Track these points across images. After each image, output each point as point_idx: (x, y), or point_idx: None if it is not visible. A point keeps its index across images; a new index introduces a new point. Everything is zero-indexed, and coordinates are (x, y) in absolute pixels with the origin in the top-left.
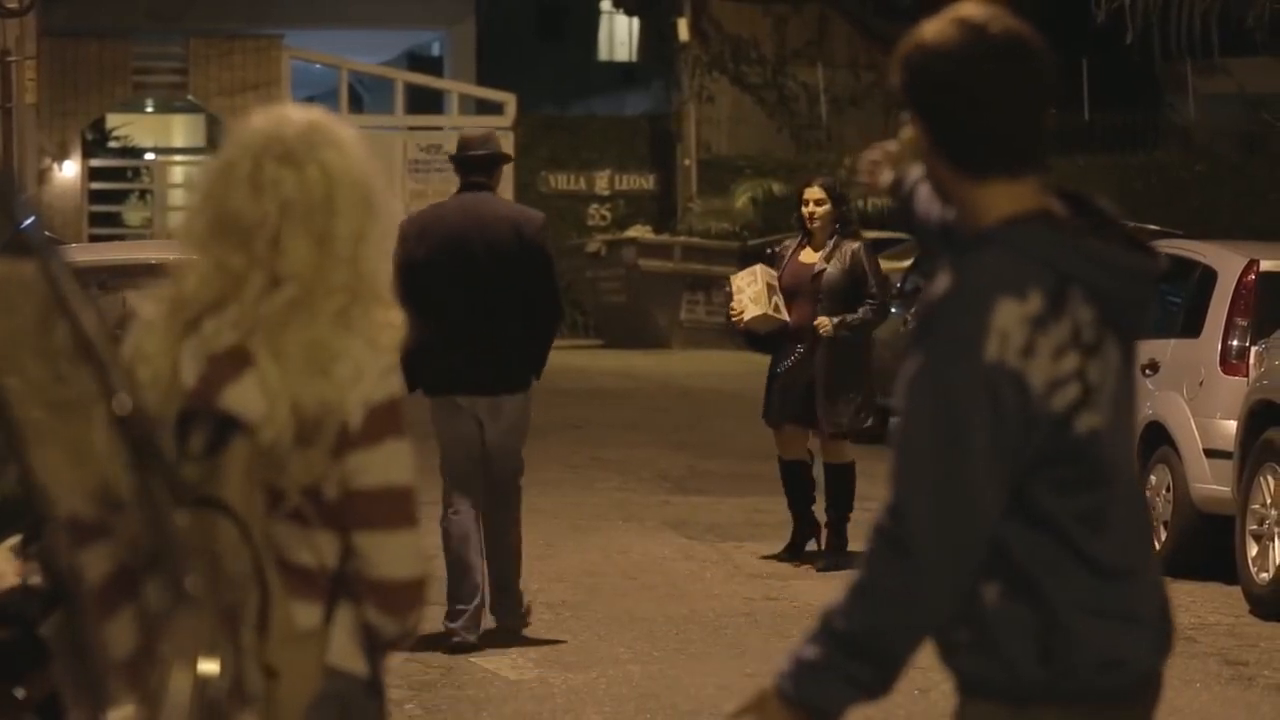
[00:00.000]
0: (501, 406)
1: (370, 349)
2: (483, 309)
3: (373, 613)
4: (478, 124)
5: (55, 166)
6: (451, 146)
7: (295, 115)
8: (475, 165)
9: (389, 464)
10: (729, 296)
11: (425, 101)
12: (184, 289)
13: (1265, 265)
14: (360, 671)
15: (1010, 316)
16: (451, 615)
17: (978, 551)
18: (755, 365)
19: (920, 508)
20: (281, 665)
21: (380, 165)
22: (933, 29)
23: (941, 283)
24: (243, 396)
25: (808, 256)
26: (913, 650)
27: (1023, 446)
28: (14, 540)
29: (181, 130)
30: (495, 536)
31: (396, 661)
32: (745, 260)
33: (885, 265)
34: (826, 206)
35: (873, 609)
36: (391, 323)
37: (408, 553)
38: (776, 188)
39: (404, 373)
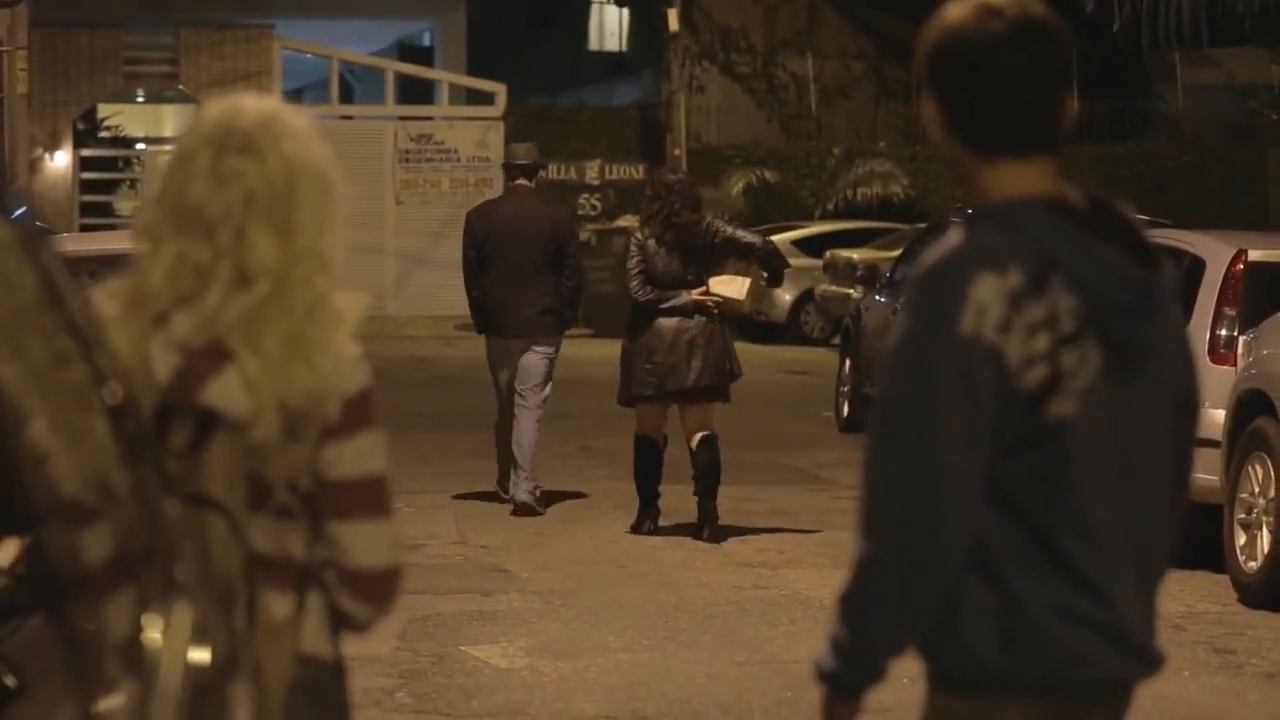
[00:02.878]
0: (537, 344)
1: (343, 339)
2: (526, 275)
3: (348, 601)
4: (468, 114)
5: (46, 156)
6: (441, 136)
7: (252, 105)
8: (521, 171)
9: (365, 454)
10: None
11: (416, 91)
12: (149, 283)
13: (1254, 255)
14: (329, 656)
15: (989, 290)
16: (502, 488)
17: (952, 532)
18: (744, 354)
19: (885, 484)
20: (263, 658)
21: (370, 155)
22: (954, 10)
23: (926, 257)
24: (224, 392)
25: None
26: (888, 632)
27: (999, 425)
28: None
29: (172, 120)
30: (520, 424)
31: (386, 650)
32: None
33: (872, 255)
34: (647, 194)
35: (852, 585)
36: (354, 310)
37: (385, 541)
38: (769, 176)
39: (474, 319)
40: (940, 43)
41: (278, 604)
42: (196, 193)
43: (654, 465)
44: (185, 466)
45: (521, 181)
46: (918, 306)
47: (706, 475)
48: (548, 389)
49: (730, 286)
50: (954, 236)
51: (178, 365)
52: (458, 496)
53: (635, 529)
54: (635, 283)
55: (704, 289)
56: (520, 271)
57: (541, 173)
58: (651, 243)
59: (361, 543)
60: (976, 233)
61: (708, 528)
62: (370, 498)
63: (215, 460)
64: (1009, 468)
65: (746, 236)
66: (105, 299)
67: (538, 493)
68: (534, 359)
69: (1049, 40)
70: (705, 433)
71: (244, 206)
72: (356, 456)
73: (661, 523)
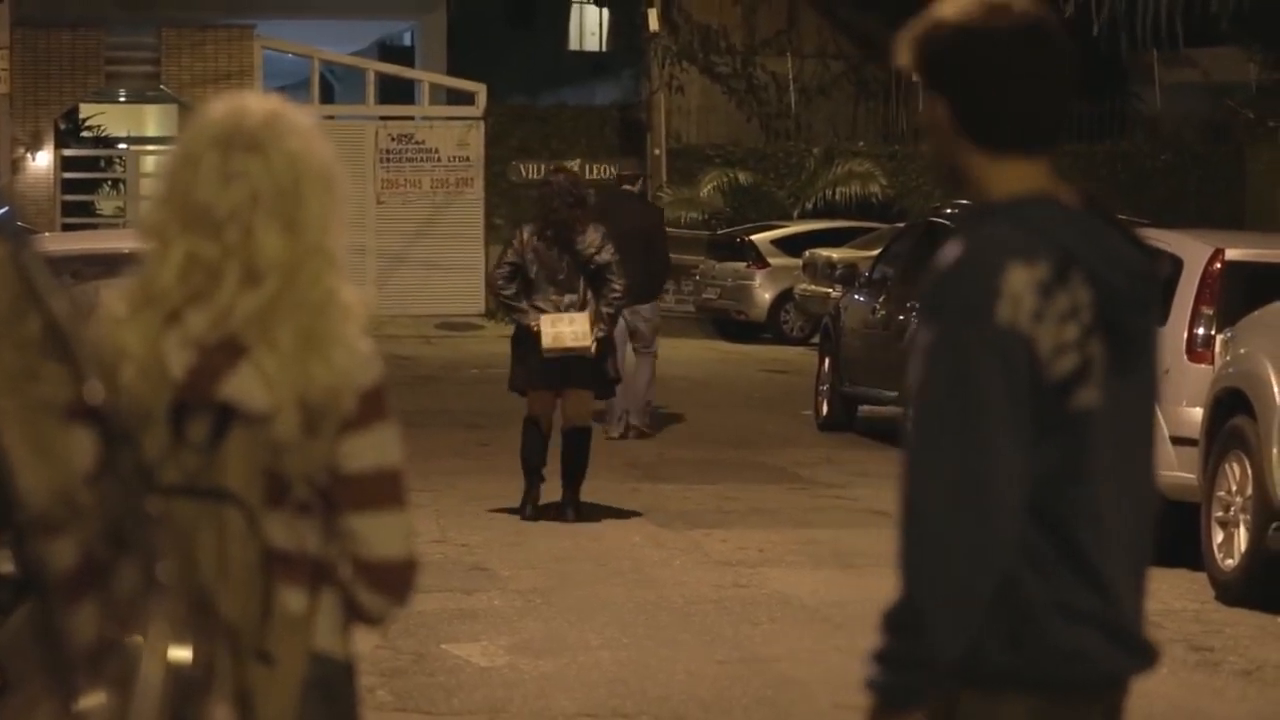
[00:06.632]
0: (638, 308)
1: (355, 333)
2: (625, 256)
3: (365, 593)
4: (448, 114)
5: (28, 156)
6: (422, 136)
7: (255, 104)
8: (627, 179)
9: (381, 446)
10: None
11: (396, 91)
12: (159, 282)
13: (1231, 254)
14: (341, 655)
15: (1021, 281)
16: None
17: (1008, 522)
18: (724, 353)
19: (938, 481)
20: (277, 652)
21: (351, 155)
22: (956, 8)
23: (949, 253)
24: (242, 386)
25: None
26: (952, 632)
27: (1035, 413)
28: None
29: (154, 120)
30: (640, 366)
31: (367, 648)
32: (715, 249)
33: (851, 254)
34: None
35: (910, 592)
36: (362, 305)
37: (401, 533)
38: (743, 177)
39: None
40: (951, 39)
41: (293, 599)
42: (204, 192)
43: (537, 446)
44: (203, 462)
45: (626, 187)
46: (951, 301)
47: (567, 464)
48: (656, 342)
49: (547, 331)
50: (973, 233)
51: (193, 361)
52: (438, 495)
53: (520, 512)
54: (499, 271)
55: (538, 322)
56: (621, 253)
57: (641, 179)
58: (533, 238)
59: (379, 534)
60: (997, 227)
61: (569, 509)
62: (387, 489)
63: (233, 455)
64: (1033, 460)
65: (612, 278)
66: (115, 299)
67: (648, 420)
68: (640, 324)
69: (1058, 38)
70: (577, 424)
71: (250, 204)
72: (373, 449)
73: (641, 518)
